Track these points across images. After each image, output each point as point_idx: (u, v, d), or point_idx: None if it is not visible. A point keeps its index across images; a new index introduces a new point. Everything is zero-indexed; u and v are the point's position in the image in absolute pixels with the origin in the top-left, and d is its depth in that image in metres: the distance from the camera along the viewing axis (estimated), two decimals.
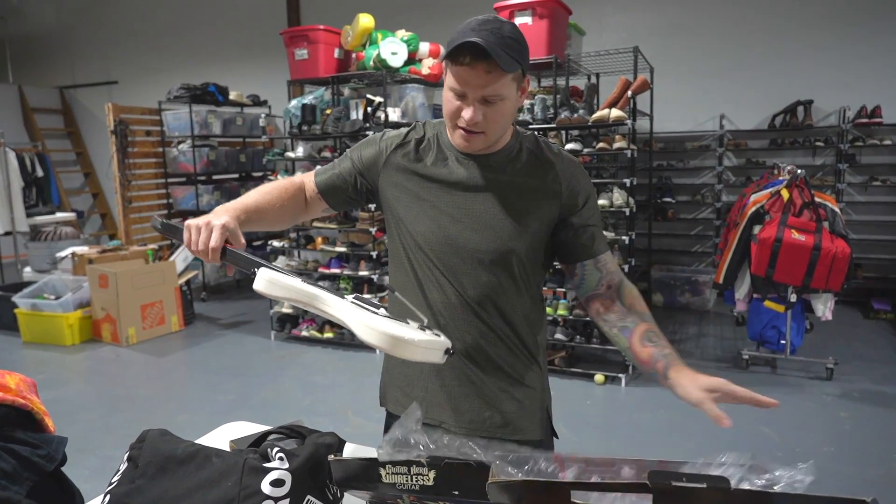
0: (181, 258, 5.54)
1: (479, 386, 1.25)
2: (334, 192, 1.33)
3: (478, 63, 1.06)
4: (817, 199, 3.75)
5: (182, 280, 5.36)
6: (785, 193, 3.77)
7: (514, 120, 1.21)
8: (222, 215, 1.11)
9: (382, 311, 0.96)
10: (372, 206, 1.11)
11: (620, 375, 3.87)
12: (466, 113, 1.11)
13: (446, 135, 1.26)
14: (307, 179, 1.35)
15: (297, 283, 0.99)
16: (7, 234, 5.92)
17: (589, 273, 1.23)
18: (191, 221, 1.09)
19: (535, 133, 1.29)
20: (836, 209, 3.77)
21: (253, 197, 1.24)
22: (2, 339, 5.07)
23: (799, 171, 3.82)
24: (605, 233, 3.87)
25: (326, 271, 4.77)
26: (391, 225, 1.31)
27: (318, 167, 1.39)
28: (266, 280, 0.99)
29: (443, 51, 1.07)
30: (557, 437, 1.38)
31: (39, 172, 6.96)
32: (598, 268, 1.23)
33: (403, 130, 1.32)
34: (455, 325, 1.22)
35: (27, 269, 5.79)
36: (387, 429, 1.40)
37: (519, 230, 1.19)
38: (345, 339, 4.70)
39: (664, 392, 3.93)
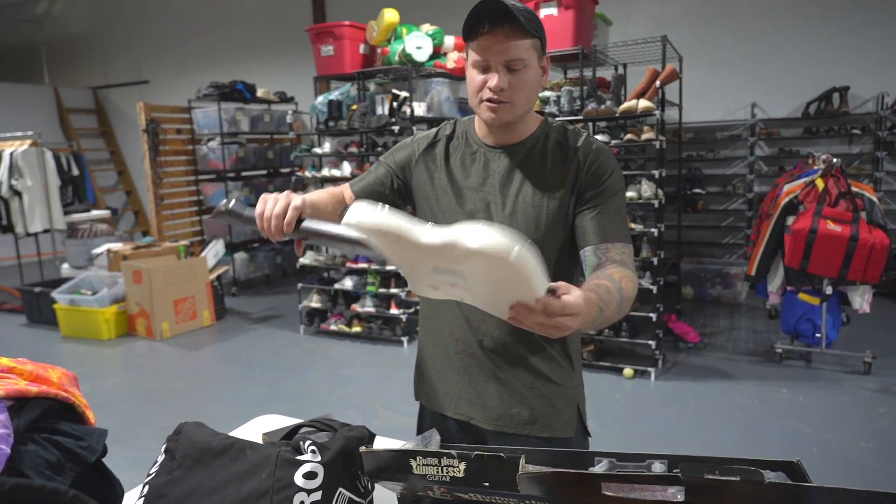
0: (212, 254, 5.64)
1: (506, 382, 1.25)
2: (372, 197, 1.33)
3: (497, 29, 1.09)
4: (854, 189, 3.65)
5: (213, 275, 5.46)
6: (820, 183, 3.68)
7: (537, 95, 1.20)
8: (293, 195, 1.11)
9: None
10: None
11: (650, 369, 3.83)
12: (492, 80, 1.12)
13: (475, 131, 1.27)
14: (344, 190, 1.36)
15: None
16: (45, 231, 6.09)
17: (588, 257, 1.18)
18: (267, 194, 1.09)
19: (564, 123, 1.28)
20: (875, 198, 3.67)
21: (310, 194, 1.25)
22: (42, 334, 5.24)
23: (835, 159, 3.72)
24: (632, 225, 3.86)
25: (354, 266, 4.80)
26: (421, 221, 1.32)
27: (352, 179, 1.40)
28: (360, 211, 0.87)
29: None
30: (591, 436, 1.36)
31: (75, 171, 7.13)
32: (598, 254, 1.17)
33: (434, 130, 1.34)
34: (483, 321, 1.23)
35: (65, 265, 5.96)
36: (420, 421, 1.41)
37: (544, 222, 1.19)
38: (373, 334, 4.73)
39: (695, 386, 3.84)
